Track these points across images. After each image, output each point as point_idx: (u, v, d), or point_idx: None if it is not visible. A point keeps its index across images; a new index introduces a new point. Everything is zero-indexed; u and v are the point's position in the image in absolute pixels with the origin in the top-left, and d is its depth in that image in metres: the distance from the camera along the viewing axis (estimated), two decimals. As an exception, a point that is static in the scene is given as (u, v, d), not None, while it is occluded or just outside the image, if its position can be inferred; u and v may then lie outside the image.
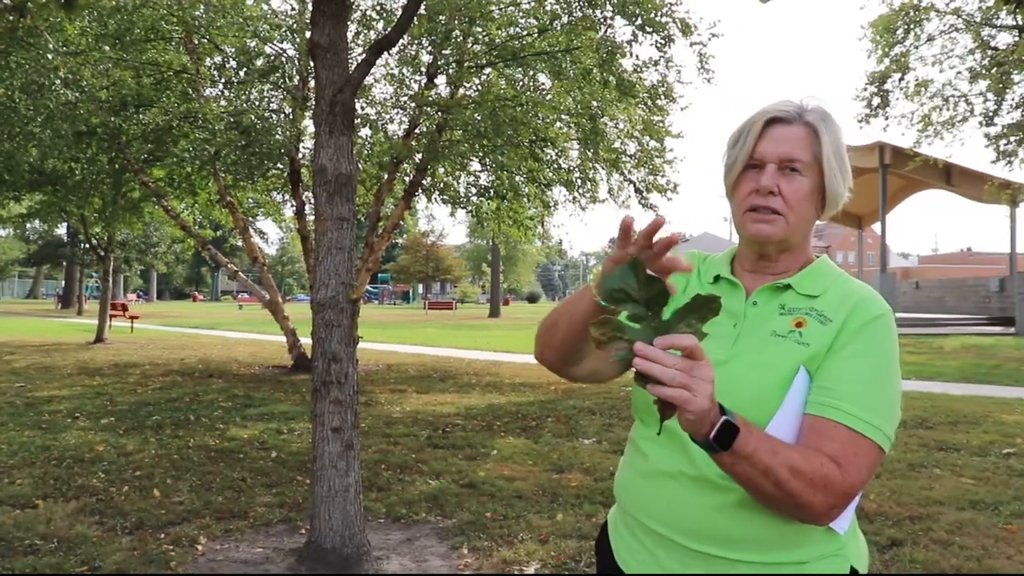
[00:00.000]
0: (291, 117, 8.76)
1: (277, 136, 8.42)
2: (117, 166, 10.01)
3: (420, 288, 65.19)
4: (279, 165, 9.56)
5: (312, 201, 7.99)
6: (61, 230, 33.13)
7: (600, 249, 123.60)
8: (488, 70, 8.11)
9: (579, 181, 9.27)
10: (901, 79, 15.73)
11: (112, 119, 8.70)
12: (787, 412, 1.02)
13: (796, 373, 1.04)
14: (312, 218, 8.77)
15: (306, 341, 7.91)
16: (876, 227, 22.37)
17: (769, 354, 1.06)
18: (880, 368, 1.03)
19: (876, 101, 15.77)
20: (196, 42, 8.82)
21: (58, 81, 7.87)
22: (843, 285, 1.13)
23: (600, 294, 0.87)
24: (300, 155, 9.46)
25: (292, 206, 10.18)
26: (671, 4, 7.02)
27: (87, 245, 15.43)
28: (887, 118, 15.86)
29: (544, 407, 7.50)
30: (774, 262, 1.15)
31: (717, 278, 1.19)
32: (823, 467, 0.96)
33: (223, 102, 8.94)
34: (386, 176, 8.85)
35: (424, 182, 9.03)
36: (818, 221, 1.15)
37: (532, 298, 75.92)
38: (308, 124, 9.16)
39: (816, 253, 1.20)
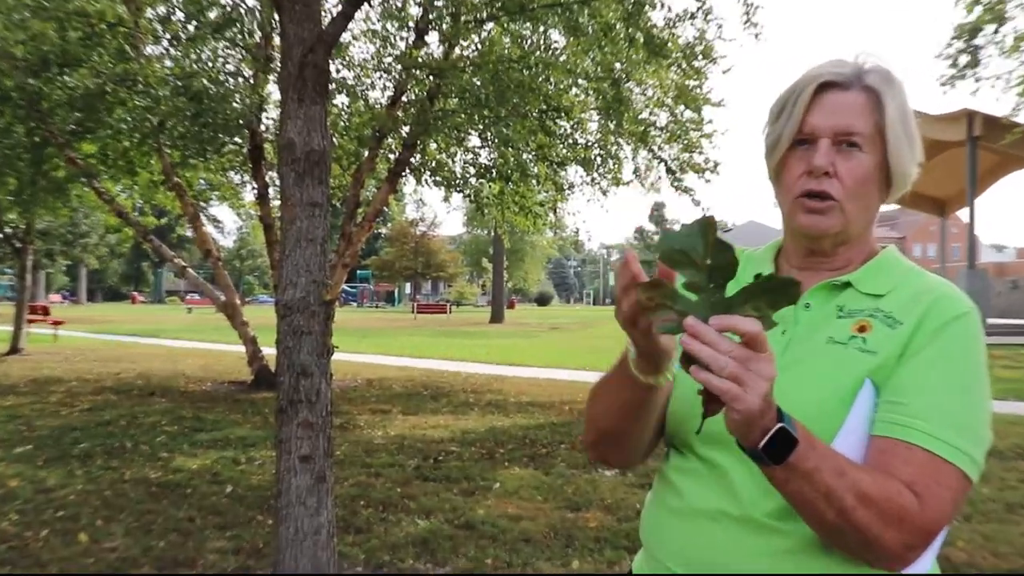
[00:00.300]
0: (251, 82, 8.78)
1: (234, 104, 8.45)
2: (37, 139, 9.97)
3: (408, 288, 65.24)
4: (237, 139, 9.58)
5: (277, 183, 7.97)
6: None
7: (624, 241, 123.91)
8: (490, 25, 8.08)
9: (599, 159, 9.29)
10: (996, 31, 15.56)
11: (30, 81, 8.64)
12: (849, 434, 1.03)
13: (860, 387, 1.04)
14: (277, 203, 8.72)
15: (269, 351, 7.93)
16: (963, 214, 22.11)
17: (826, 365, 1.07)
18: (963, 378, 1.03)
19: (964, 59, 15.60)
20: (135, -12, 8.81)
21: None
22: (915, 281, 1.13)
23: (658, 251, 0.88)
24: (263, 127, 9.50)
25: (253, 189, 10.23)
26: (710, -58, 7.05)
27: (-1, 235, 15.39)
28: (977, 80, 15.70)
29: (556, 431, 7.53)
30: (830, 257, 1.16)
31: (759, 277, 1.18)
32: (899, 496, 0.96)
33: (168, 62, 8.95)
34: (367, 153, 8.87)
35: (412, 160, 9.06)
36: (884, 206, 1.16)
37: (542, 300, 76.04)
38: (272, 90, 9.18)
39: (881, 244, 1.21)
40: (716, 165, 9.12)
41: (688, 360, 0.85)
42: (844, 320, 1.11)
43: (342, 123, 9.16)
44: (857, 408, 1.04)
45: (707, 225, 0.87)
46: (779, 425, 0.89)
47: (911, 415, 1.01)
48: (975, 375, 1.04)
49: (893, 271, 1.16)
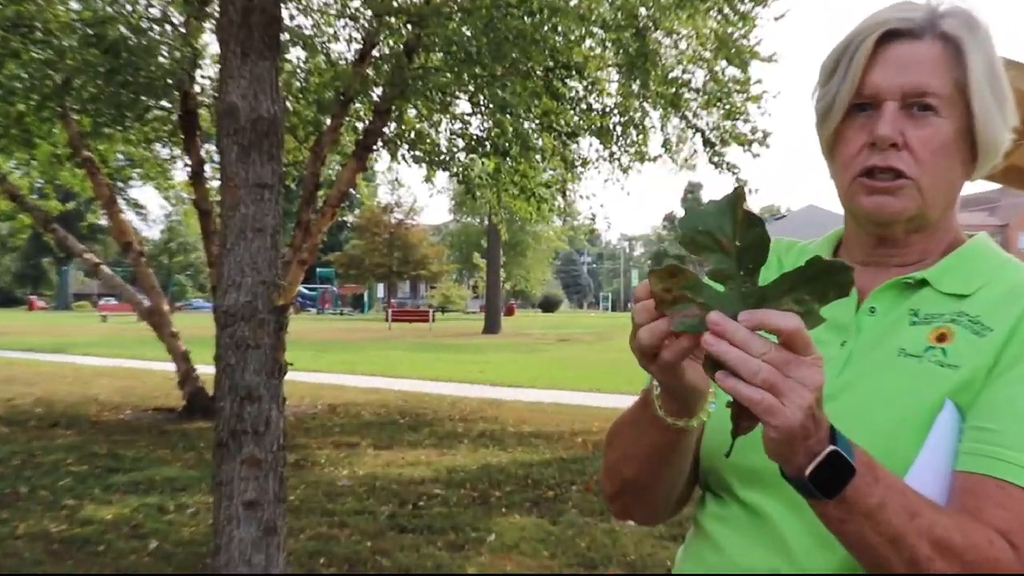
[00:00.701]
0: (182, 30, 8.76)
1: (161, 59, 8.41)
2: None
3: (380, 290, 65.60)
4: (164, 103, 9.56)
5: (216, 159, 7.93)
6: None
7: (650, 231, 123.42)
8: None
9: (619, 129, 9.27)
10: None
11: None
12: (926, 468, 1.04)
13: (939, 409, 1.05)
14: (217, 184, 8.66)
15: (206, 371, 7.96)
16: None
17: (897, 383, 1.08)
18: None
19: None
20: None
21: None
22: (1009, 276, 1.15)
23: (678, 235, 0.90)
24: (197, 89, 9.47)
25: (186, 166, 10.18)
26: None
27: None
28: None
29: (566, 469, 7.56)
30: (902, 248, 1.18)
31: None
32: (990, 547, 0.96)
33: (75, 4, 8.91)
34: (329, 122, 8.88)
35: (386, 131, 9.07)
36: (977, 185, 1.19)
37: (548, 304, 76.31)
38: (210, 41, 9.16)
39: (969, 233, 1.22)
40: (766, 136, 9.13)
41: (714, 365, 0.86)
42: (919, 327, 1.12)
43: (297, 83, 9.16)
44: (935, 435, 1.04)
45: (737, 199, 0.88)
46: (830, 448, 0.90)
47: (1005, 445, 1.01)
48: None
49: (982, 265, 1.16)
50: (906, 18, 1.12)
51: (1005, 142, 1.15)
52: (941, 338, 1.10)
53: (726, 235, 0.87)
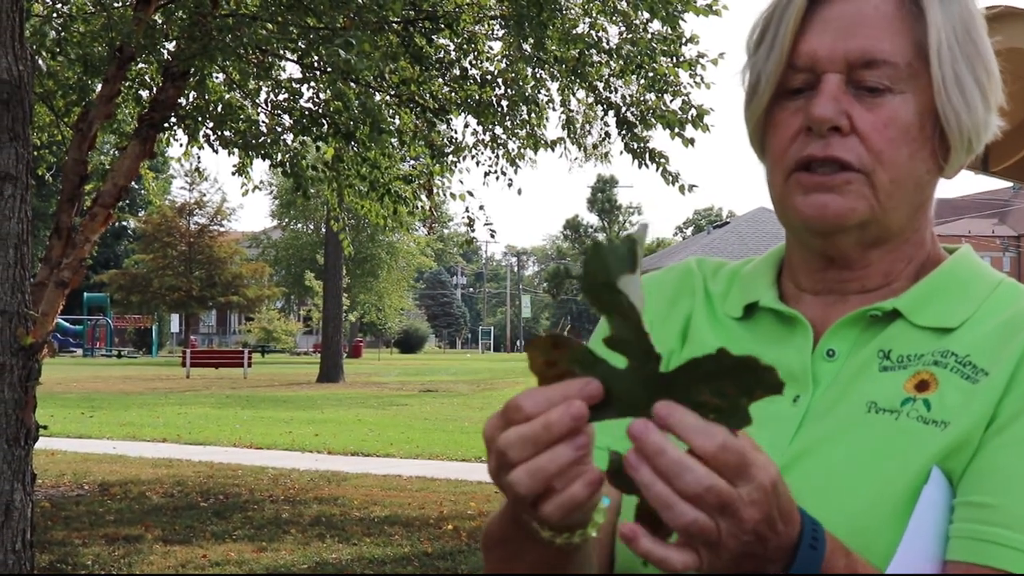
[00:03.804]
0: None
1: None
2: None
3: (175, 322, 64.59)
4: None
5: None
6: None
7: (547, 242, 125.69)
8: None
9: (505, 104, 9.43)
10: None
11: None
12: (910, 557, 1.07)
13: (924, 481, 1.09)
14: None
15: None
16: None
17: (868, 448, 1.13)
18: None
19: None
20: None
21: None
22: (1006, 302, 1.20)
23: (582, 282, 0.91)
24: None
25: None
26: None
27: None
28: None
29: (430, 566, 7.71)
30: (858, 270, 1.23)
31: (752, 308, 1.28)
32: None
33: None
34: (100, 88, 8.63)
35: (182, 102, 9.02)
36: (945, 178, 1.22)
37: (409, 342, 77.11)
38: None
39: (946, 247, 1.28)
40: (702, 115, 9.17)
41: (628, 484, 0.91)
42: (892, 373, 1.17)
43: (53, 33, 8.90)
44: (920, 516, 1.08)
45: (635, 243, 0.90)
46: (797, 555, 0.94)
47: (1009, 526, 1.05)
48: None
49: (969, 290, 1.21)
50: None
51: (988, 126, 1.19)
52: (922, 386, 1.14)
53: (630, 293, 0.90)
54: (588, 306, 0.95)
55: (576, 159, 10.41)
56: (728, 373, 0.89)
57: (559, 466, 0.90)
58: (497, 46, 9.28)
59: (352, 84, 8.77)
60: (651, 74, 9.03)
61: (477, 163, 10.35)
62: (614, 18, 8.99)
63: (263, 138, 9.46)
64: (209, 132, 9.40)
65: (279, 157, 9.58)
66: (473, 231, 10.61)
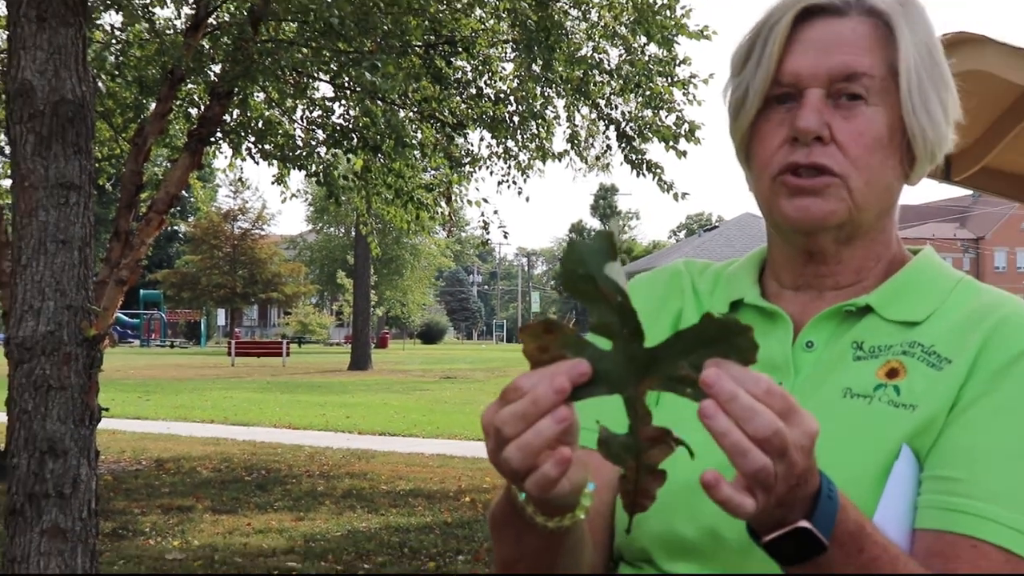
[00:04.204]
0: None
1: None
2: None
3: (221, 317, 64.39)
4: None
5: (7, 151, 7.85)
6: None
7: (554, 244, 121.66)
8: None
9: (516, 119, 9.33)
10: None
11: None
12: (884, 521, 1.08)
13: (894, 458, 1.12)
14: (7, 184, 8.46)
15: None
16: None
17: (844, 429, 1.15)
18: None
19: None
20: None
21: None
22: (966, 297, 1.23)
23: (560, 278, 0.93)
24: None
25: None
26: None
27: None
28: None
29: (450, 535, 7.67)
30: (833, 266, 1.25)
31: (737, 305, 1.31)
32: None
33: None
34: (154, 106, 8.46)
35: (227, 119, 8.88)
36: (908, 185, 1.24)
37: (430, 334, 75.90)
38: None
39: (911, 248, 1.31)
40: (693, 129, 9.18)
41: (614, 453, 0.93)
42: (865, 362, 1.19)
43: (112, 58, 8.99)
44: (892, 489, 1.10)
45: (610, 238, 0.90)
46: (800, 525, 0.95)
47: (975, 496, 1.07)
48: None
49: (933, 287, 1.24)
50: None
51: (945, 139, 1.21)
52: (892, 374, 1.16)
53: (608, 283, 0.89)
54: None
55: (580, 169, 10.19)
56: (707, 343, 0.88)
57: (544, 439, 0.89)
58: (509, 67, 9.16)
59: (379, 102, 8.67)
60: (648, 92, 8.97)
61: (491, 173, 10.21)
62: (615, 42, 8.92)
63: (299, 151, 9.35)
64: (251, 145, 9.30)
65: (313, 168, 9.47)
66: (488, 234, 10.39)
